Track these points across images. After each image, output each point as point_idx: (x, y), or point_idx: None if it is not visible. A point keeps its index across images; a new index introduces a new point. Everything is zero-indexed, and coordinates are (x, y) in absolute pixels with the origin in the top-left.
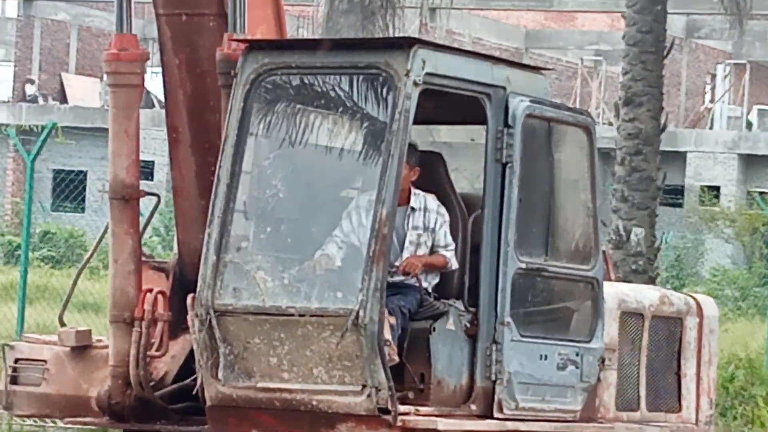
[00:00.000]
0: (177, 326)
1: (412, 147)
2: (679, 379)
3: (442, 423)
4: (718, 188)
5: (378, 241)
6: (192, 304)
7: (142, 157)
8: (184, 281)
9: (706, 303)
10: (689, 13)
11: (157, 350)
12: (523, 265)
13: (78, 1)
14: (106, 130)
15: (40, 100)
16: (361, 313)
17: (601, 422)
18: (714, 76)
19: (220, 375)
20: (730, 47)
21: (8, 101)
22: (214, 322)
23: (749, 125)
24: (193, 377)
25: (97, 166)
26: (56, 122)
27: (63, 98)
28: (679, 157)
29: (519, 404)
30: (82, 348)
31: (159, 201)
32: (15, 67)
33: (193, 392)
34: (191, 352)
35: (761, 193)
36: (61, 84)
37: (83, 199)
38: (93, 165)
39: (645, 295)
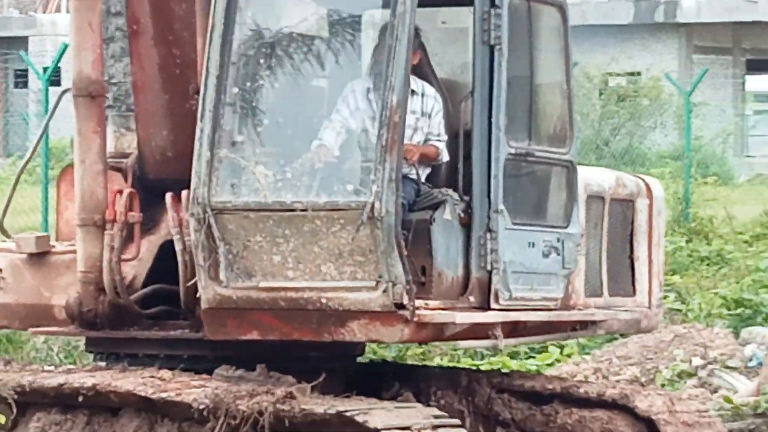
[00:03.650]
0: (140, 228)
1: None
2: (633, 262)
3: (459, 317)
4: None
5: (390, 129)
6: (172, 203)
7: None
8: (144, 180)
9: (654, 184)
10: None
11: (128, 254)
12: (512, 151)
13: None
14: None
15: None
16: (376, 205)
17: (580, 309)
18: None
19: (220, 276)
20: None
21: None
22: (211, 220)
23: None
24: (168, 282)
25: None
26: None
27: None
28: None
29: (512, 294)
30: (41, 254)
31: None
32: None
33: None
34: (158, 254)
35: None
36: None
37: None
38: None
39: (603, 178)
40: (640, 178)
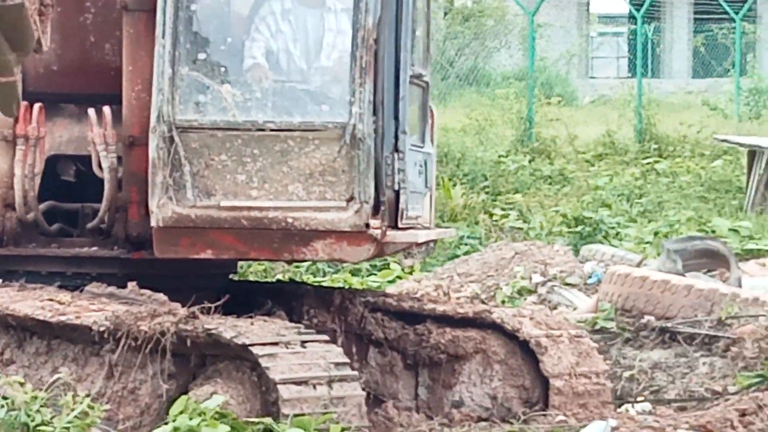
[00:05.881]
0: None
1: None
2: None
3: (422, 235)
4: None
5: (367, 51)
6: (97, 119)
7: None
8: (23, 93)
9: (433, 108)
10: None
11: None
12: (411, 72)
13: None
14: None
15: None
16: (358, 126)
17: (428, 227)
18: None
19: (179, 194)
20: None
21: None
22: (177, 138)
23: None
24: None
25: None
26: None
27: None
28: None
29: (409, 213)
30: None
31: None
32: None
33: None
34: (46, 169)
35: None
36: None
37: None
38: None
39: None
40: None
